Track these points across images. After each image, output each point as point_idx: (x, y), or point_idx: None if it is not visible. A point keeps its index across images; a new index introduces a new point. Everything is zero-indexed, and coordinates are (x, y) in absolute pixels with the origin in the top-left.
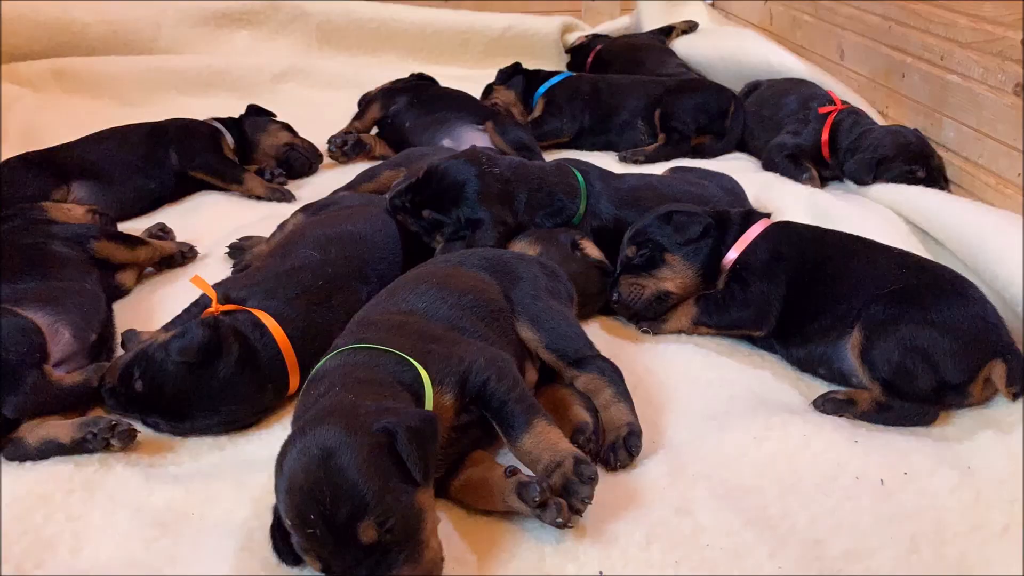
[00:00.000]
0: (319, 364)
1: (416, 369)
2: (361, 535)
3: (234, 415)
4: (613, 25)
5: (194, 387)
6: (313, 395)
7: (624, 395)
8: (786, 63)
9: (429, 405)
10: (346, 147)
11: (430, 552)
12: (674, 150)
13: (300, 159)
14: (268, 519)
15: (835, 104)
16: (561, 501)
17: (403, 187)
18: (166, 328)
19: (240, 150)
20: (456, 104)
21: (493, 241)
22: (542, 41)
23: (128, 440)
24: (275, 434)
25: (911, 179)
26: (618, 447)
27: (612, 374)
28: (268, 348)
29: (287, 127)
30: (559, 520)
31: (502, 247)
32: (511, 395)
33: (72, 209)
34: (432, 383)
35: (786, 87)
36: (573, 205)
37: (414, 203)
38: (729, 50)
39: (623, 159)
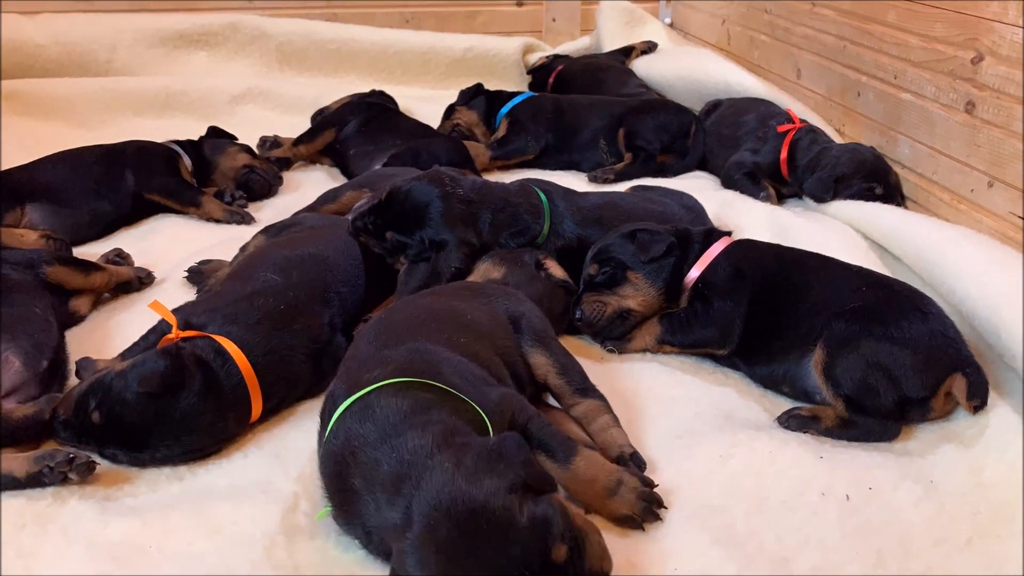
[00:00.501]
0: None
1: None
2: (555, 557)
3: (196, 444)
4: (574, 46)
5: (155, 417)
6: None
7: (618, 422)
8: (744, 83)
9: None
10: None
11: (591, 533)
12: (642, 168)
13: (260, 181)
14: (227, 551)
15: (794, 122)
16: None
17: (365, 209)
18: (123, 356)
19: (199, 173)
20: (403, 134)
21: (458, 262)
22: (503, 62)
23: (87, 473)
24: (235, 463)
25: (869, 196)
26: (625, 460)
27: (606, 402)
28: (231, 376)
29: (247, 149)
30: None
31: (468, 268)
32: (549, 429)
33: (25, 235)
34: (493, 430)
35: (745, 106)
36: (537, 225)
37: (376, 225)
38: (688, 69)
39: (593, 179)
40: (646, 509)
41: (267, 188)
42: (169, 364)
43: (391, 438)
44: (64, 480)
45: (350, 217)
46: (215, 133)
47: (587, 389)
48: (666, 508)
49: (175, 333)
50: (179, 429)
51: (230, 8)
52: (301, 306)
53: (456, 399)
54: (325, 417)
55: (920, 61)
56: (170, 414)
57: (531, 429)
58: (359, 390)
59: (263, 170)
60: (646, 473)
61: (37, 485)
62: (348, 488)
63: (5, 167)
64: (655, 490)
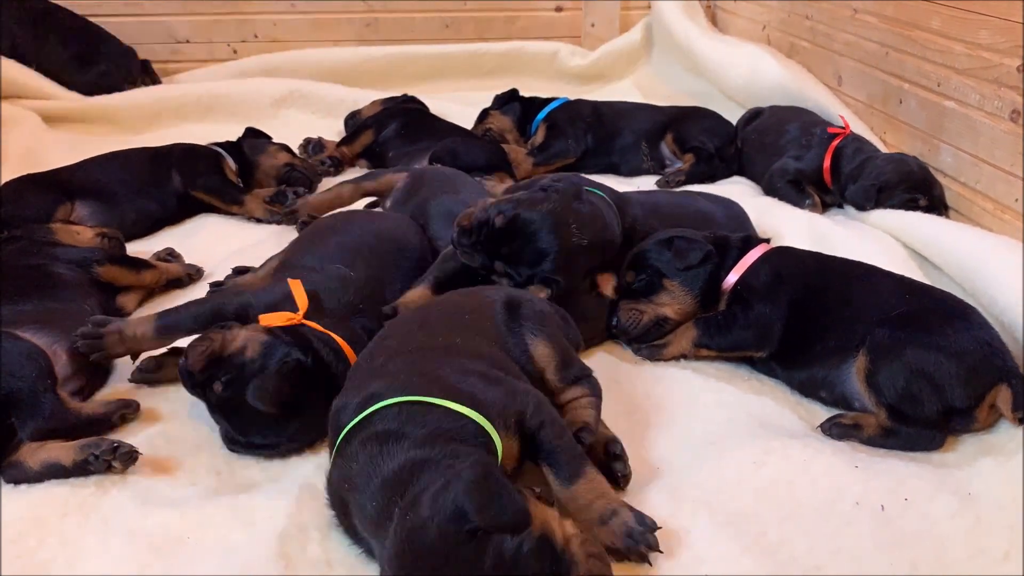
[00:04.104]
0: (371, 409)
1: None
2: None
3: (288, 449)
4: (622, 41)
5: (268, 421)
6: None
7: (597, 406)
8: (797, 87)
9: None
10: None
11: (571, 546)
12: (707, 167)
13: (301, 179)
14: (262, 544)
15: (845, 128)
16: None
17: (477, 223)
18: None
19: (242, 173)
20: (440, 136)
21: (550, 296)
22: (541, 66)
23: (130, 462)
24: (273, 459)
25: (912, 207)
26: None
27: (597, 390)
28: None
29: (285, 148)
30: None
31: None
32: (562, 440)
33: (81, 232)
34: (497, 431)
35: (788, 115)
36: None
37: (490, 249)
38: (746, 60)
39: (665, 184)
40: (631, 548)
41: (308, 186)
42: (289, 386)
43: (373, 479)
44: (108, 468)
45: (457, 221)
46: (252, 134)
47: (580, 378)
48: (661, 552)
49: (298, 319)
50: (285, 434)
51: (274, 12)
52: (367, 302)
53: (453, 412)
54: (332, 432)
55: (964, 68)
56: (285, 423)
57: (541, 437)
58: (363, 410)
59: (304, 168)
60: (670, 484)
61: (83, 473)
62: (351, 524)
63: (52, 167)
64: (656, 534)
